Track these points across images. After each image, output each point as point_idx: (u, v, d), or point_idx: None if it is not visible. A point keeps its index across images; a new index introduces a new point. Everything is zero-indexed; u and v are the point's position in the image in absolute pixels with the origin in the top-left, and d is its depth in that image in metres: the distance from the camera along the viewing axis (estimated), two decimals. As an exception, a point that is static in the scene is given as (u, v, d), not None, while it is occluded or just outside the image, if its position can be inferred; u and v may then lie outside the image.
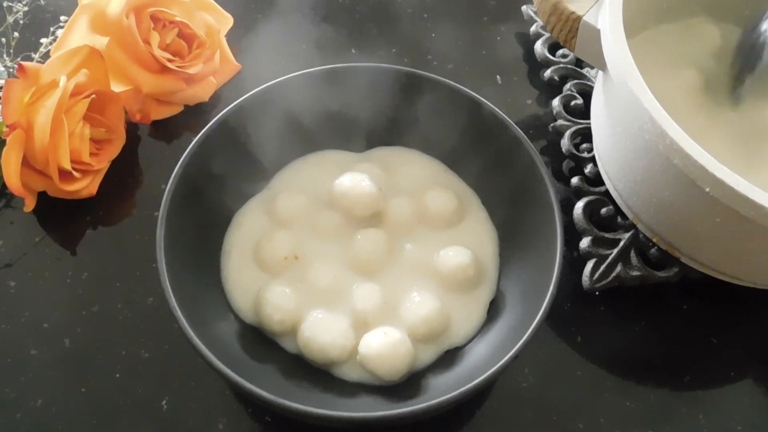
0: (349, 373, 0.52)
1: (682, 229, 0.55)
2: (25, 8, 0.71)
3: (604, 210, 0.62)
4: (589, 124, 0.66)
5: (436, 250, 0.56)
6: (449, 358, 0.53)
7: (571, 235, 0.61)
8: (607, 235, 0.61)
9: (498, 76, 0.74)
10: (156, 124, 0.69)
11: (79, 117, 0.60)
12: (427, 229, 0.58)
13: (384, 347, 0.51)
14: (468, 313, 0.55)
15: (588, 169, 0.65)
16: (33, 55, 0.68)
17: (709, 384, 0.58)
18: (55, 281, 0.60)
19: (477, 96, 0.58)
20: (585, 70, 0.72)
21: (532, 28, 0.76)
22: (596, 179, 0.64)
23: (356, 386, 0.52)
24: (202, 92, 0.69)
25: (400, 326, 0.53)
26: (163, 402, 0.54)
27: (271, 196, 0.59)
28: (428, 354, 0.53)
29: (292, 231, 0.57)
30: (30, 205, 0.61)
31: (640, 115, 0.51)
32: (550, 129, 0.68)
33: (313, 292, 0.55)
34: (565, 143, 0.66)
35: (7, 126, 0.58)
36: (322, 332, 0.52)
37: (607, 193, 0.63)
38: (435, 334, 0.53)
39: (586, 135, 0.66)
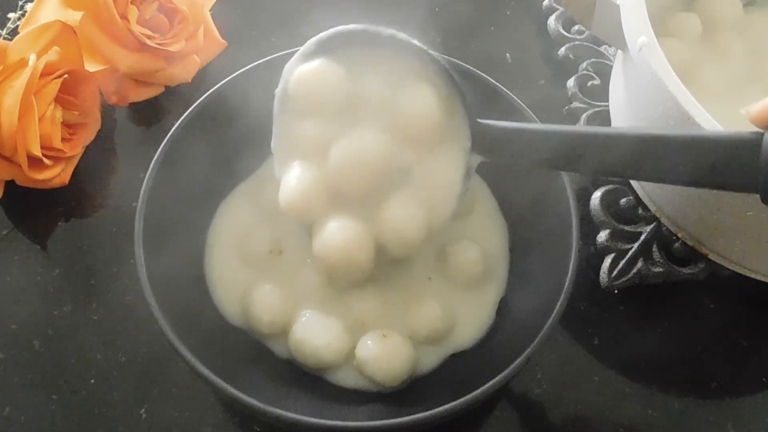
0: (345, 378, 0.52)
1: (710, 224, 0.55)
2: (-9, -20, 0.71)
3: (623, 200, 0.62)
4: (608, 106, 0.65)
5: (441, 244, 0.56)
6: (454, 361, 0.53)
7: (588, 227, 0.61)
8: (626, 228, 0.61)
9: (508, 55, 0.74)
10: (134, 106, 0.68)
11: (49, 99, 0.60)
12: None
13: (383, 351, 0.51)
14: (475, 313, 0.54)
15: (606, 156, 0.64)
16: (0, 32, 0.68)
17: (738, 391, 0.57)
18: (23, 278, 0.60)
19: (485, 76, 0.58)
20: (603, 48, 0.71)
21: (545, 3, 0.76)
22: (615, 167, 0.64)
23: (353, 393, 0.52)
24: (184, 72, 0.69)
25: (401, 328, 0.53)
26: (142, 410, 0.54)
27: (259, 184, 0.59)
28: (431, 358, 0.53)
29: (282, 223, 0.57)
30: (-4, 195, 0.61)
31: (664, 99, 0.51)
32: (565, 112, 0.68)
33: (306, 290, 0.54)
34: (582, 128, 0.66)
35: (-30, 109, 0.58)
36: (315, 334, 0.51)
37: (626, 182, 0.62)
38: (439, 336, 0.53)
39: (604, 118, 0.66)
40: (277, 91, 0.51)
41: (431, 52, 0.48)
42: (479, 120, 0.48)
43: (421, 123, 0.51)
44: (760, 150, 0.39)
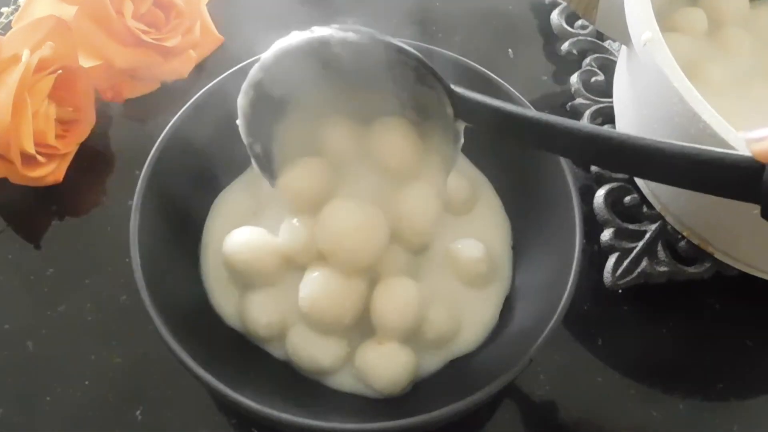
0: (343, 383, 0.52)
1: (716, 222, 0.55)
2: (-16, -27, 0.71)
3: (627, 198, 0.62)
4: (612, 103, 0.65)
5: (444, 242, 0.56)
6: (455, 363, 0.53)
7: (592, 226, 0.61)
8: (631, 226, 0.61)
9: (510, 50, 0.74)
10: (129, 102, 0.68)
11: (43, 95, 0.60)
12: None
13: (380, 359, 0.50)
14: (479, 316, 0.54)
15: (610, 153, 0.64)
16: (-8, 26, 0.68)
17: (744, 392, 0.57)
18: (17, 278, 0.60)
19: (486, 72, 0.58)
20: (607, 43, 0.71)
21: (548, -4, 0.76)
22: (619, 165, 0.64)
23: (352, 395, 0.51)
24: (180, 67, 0.69)
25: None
26: (138, 412, 0.54)
27: (255, 178, 0.58)
28: (433, 361, 0.53)
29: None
30: (-11, 193, 0.61)
31: (669, 96, 0.50)
32: (568, 108, 0.68)
33: None
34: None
35: (-37, 105, 0.58)
36: (312, 339, 0.51)
37: (631, 179, 0.62)
38: (444, 340, 0.53)
39: (608, 115, 0.66)
40: (238, 121, 0.51)
41: (384, 38, 0.47)
42: (455, 88, 0.48)
43: (403, 163, 0.52)
44: (761, 181, 0.39)
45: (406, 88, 0.50)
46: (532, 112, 0.47)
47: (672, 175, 0.43)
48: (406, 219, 0.52)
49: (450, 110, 0.49)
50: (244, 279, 0.53)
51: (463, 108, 0.49)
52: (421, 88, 0.49)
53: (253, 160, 0.52)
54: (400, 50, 0.47)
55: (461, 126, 0.50)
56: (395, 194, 0.53)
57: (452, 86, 0.48)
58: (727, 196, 0.42)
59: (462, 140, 0.51)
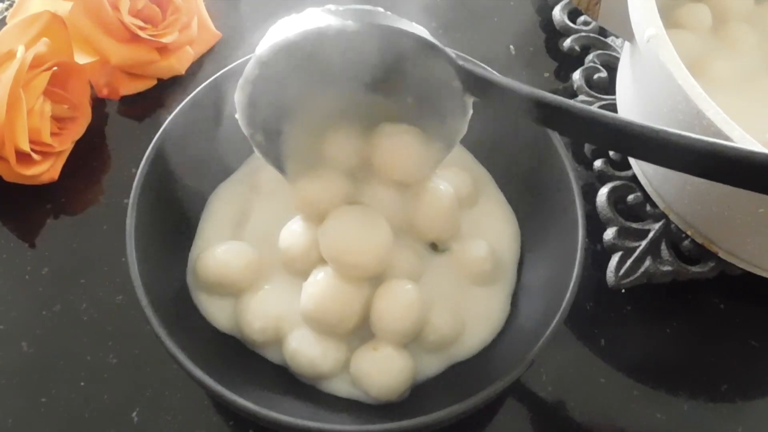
0: (340, 389, 0.51)
1: (721, 222, 0.55)
2: (-22, -31, 0.71)
3: (631, 197, 0.62)
4: (615, 100, 0.65)
5: (447, 242, 0.55)
6: (456, 364, 0.53)
7: (594, 225, 0.61)
8: (634, 225, 0.60)
9: (511, 46, 0.74)
10: (126, 100, 0.68)
11: (38, 92, 0.59)
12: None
13: (374, 365, 0.50)
14: (484, 317, 0.53)
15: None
16: (-13, 22, 0.68)
17: (749, 393, 0.57)
18: (11, 277, 0.59)
19: (487, 69, 0.57)
20: (610, 40, 0.71)
21: (550, -8, 0.76)
22: (622, 162, 0.63)
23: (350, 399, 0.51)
24: (177, 64, 0.68)
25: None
26: (134, 413, 0.54)
27: (250, 173, 0.58)
28: (434, 365, 0.52)
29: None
30: (-17, 191, 0.61)
31: (673, 93, 0.50)
32: (570, 106, 0.68)
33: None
34: (587, 122, 0.66)
35: (-43, 102, 0.58)
36: (313, 342, 0.50)
37: (634, 178, 0.62)
38: (446, 343, 0.52)
39: (611, 112, 0.66)
40: (237, 115, 0.50)
41: (383, 23, 0.47)
42: (462, 64, 0.48)
43: (407, 175, 0.53)
44: None
45: (408, 71, 0.50)
46: (532, 90, 0.47)
47: (682, 164, 0.43)
48: (423, 215, 0.53)
49: (457, 83, 0.49)
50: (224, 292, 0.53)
51: (470, 82, 0.49)
52: (424, 68, 0.49)
53: (255, 149, 0.51)
54: (402, 33, 0.47)
55: (469, 99, 0.50)
56: (409, 195, 0.53)
57: (459, 62, 0.48)
58: (743, 188, 0.42)
59: (471, 112, 0.51)
